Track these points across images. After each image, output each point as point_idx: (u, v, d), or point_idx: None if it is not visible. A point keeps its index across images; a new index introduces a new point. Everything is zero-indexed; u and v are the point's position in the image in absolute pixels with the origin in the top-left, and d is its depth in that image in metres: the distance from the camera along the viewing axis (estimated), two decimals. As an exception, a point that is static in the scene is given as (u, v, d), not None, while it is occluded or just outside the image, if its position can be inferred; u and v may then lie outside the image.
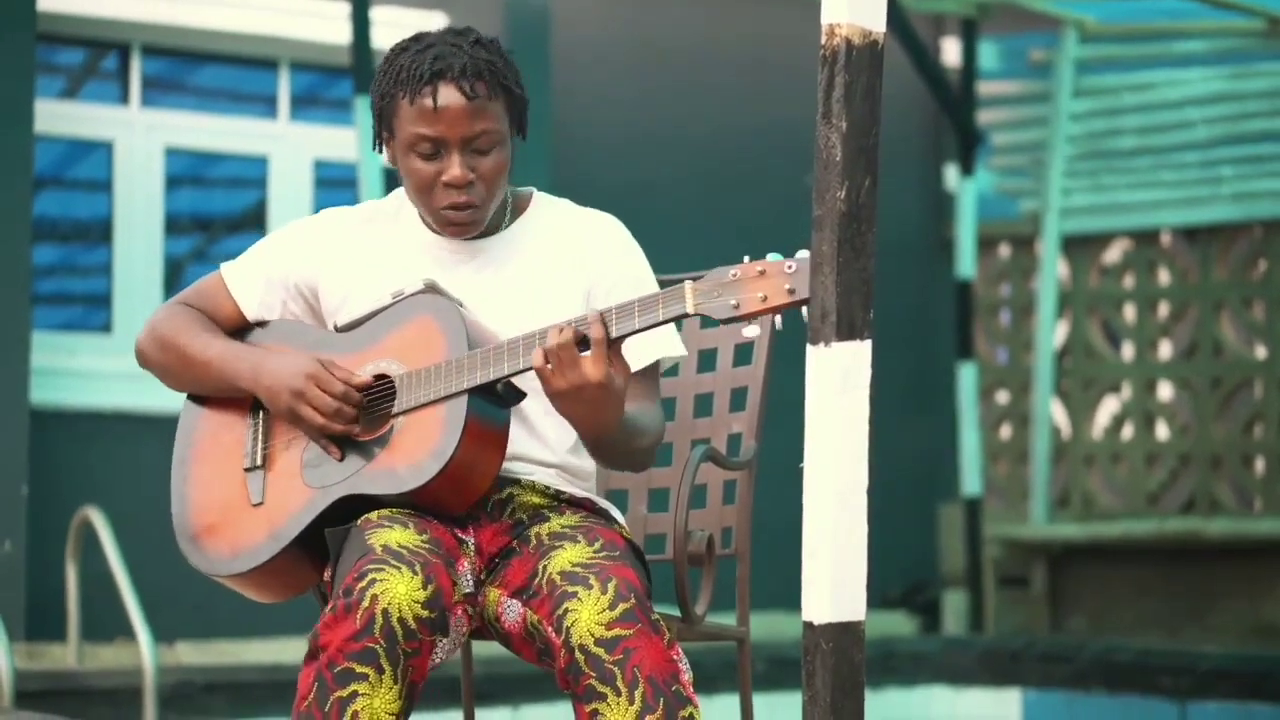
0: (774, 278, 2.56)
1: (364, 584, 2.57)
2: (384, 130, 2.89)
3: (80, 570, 6.19)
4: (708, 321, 2.71)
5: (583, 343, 2.66)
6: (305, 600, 2.99)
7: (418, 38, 2.88)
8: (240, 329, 3.00)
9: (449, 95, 2.80)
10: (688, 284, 2.64)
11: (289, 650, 6.82)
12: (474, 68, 2.81)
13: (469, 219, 2.86)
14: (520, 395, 2.79)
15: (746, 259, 2.63)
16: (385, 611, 2.55)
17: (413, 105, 2.81)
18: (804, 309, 2.53)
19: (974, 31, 8.84)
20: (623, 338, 2.67)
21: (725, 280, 2.60)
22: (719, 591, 3.06)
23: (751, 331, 2.65)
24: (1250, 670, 7.27)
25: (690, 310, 2.62)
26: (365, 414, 2.83)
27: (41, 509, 6.88)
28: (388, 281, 2.90)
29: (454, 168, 2.82)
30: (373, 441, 2.80)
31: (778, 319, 2.60)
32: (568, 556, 2.68)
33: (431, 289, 2.84)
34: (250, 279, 2.99)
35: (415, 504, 2.75)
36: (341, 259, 2.96)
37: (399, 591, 2.56)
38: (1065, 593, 8.88)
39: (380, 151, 2.93)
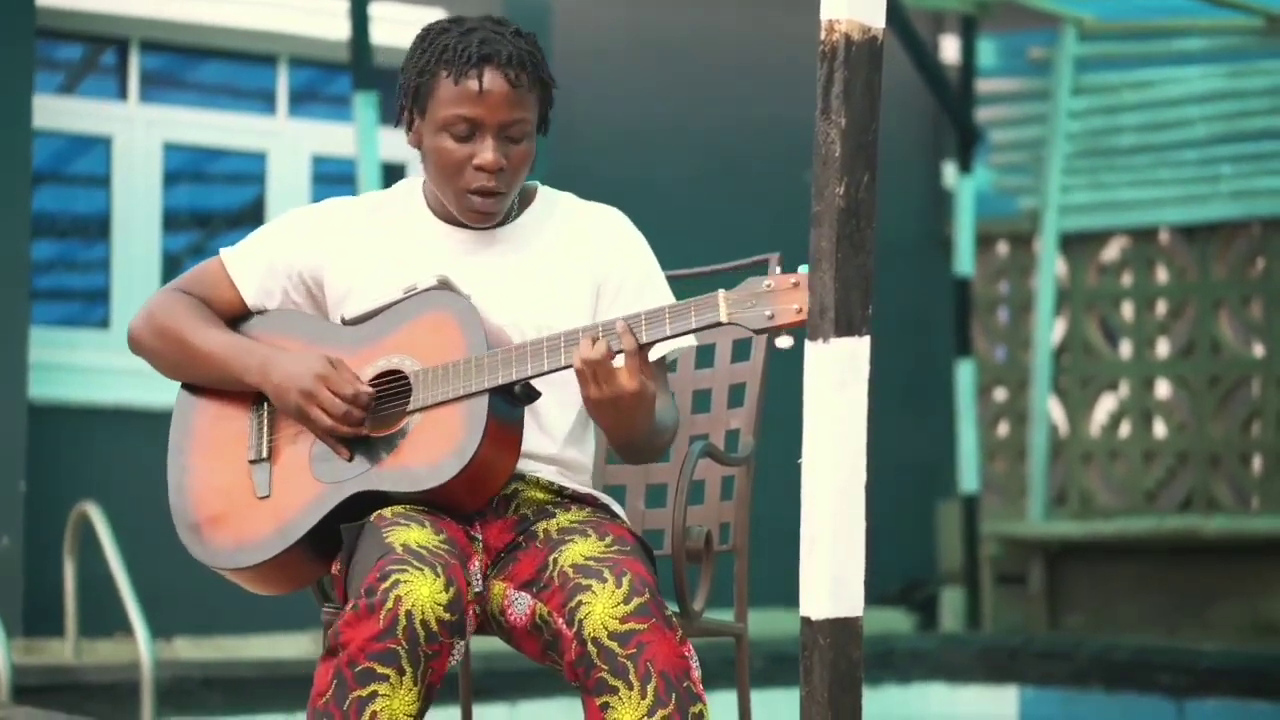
0: (808, 289, 2.56)
1: (387, 584, 2.55)
2: (414, 109, 2.87)
3: (78, 566, 6.19)
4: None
5: (615, 353, 2.67)
6: (303, 595, 2.98)
7: (458, 20, 2.87)
8: (238, 316, 2.96)
9: (494, 80, 2.79)
10: (721, 294, 2.64)
11: (287, 646, 6.82)
12: (519, 57, 2.81)
13: (493, 206, 2.85)
14: (535, 395, 2.78)
15: (778, 269, 2.63)
16: (409, 613, 2.54)
17: (456, 85, 2.80)
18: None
19: (973, 29, 8.85)
20: (652, 344, 2.68)
21: (759, 291, 2.60)
22: (717, 587, 3.05)
23: (784, 343, 2.64)
24: (1248, 668, 7.27)
25: (724, 320, 2.62)
26: (377, 410, 2.81)
27: (39, 504, 6.88)
28: (395, 272, 2.88)
29: (488, 152, 2.81)
30: (385, 438, 2.78)
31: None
32: (579, 550, 2.68)
33: (445, 285, 2.83)
34: (251, 266, 2.95)
35: (430, 502, 2.73)
36: (347, 249, 2.93)
37: (423, 594, 2.55)
38: (1063, 590, 8.89)
39: (404, 130, 2.90)
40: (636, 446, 2.81)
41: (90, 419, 7.32)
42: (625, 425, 2.72)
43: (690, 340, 2.93)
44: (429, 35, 2.86)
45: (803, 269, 2.59)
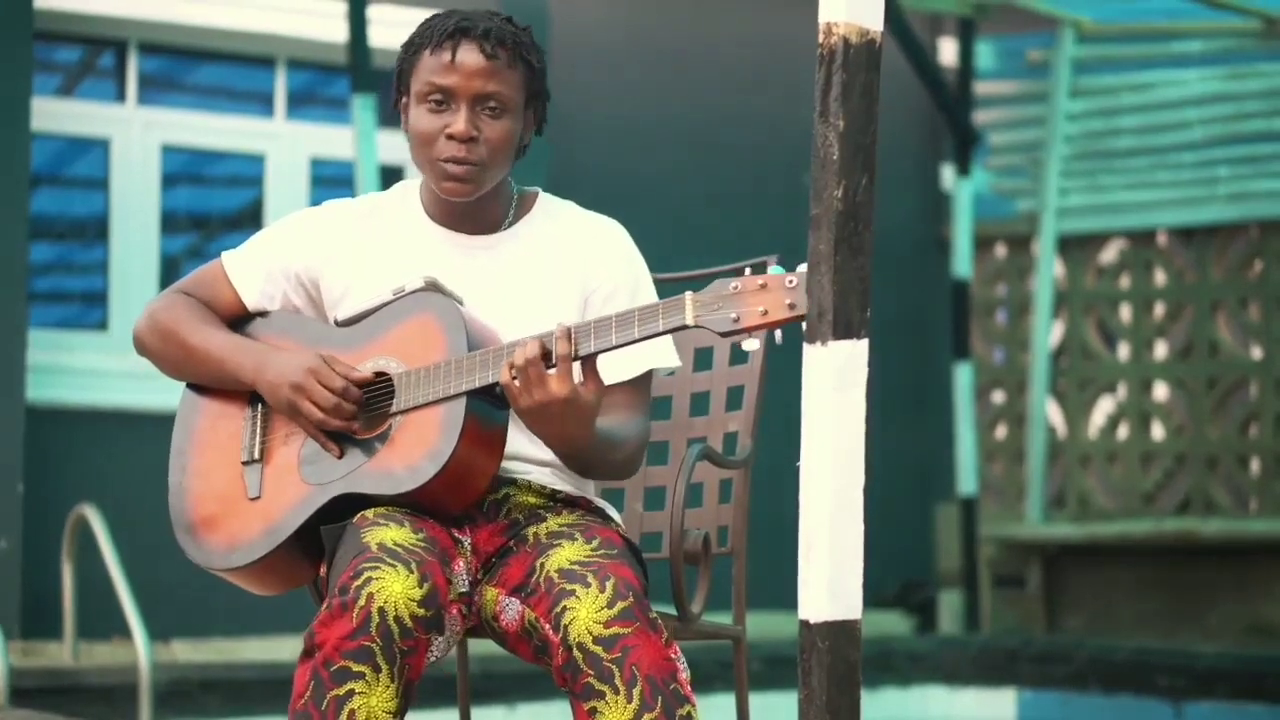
0: (775, 291, 2.55)
1: (360, 582, 2.56)
2: (402, 90, 2.90)
3: (76, 568, 6.19)
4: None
5: (549, 358, 2.65)
6: (301, 597, 2.98)
7: (451, 10, 2.91)
8: (239, 319, 2.98)
9: (468, 51, 2.83)
10: (688, 295, 2.62)
11: (284, 648, 6.82)
12: (499, 33, 2.85)
13: (465, 175, 2.84)
14: None
15: (748, 270, 2.62)
16: (381, 610, 2.55)
17: (432, 56, 2.84)
18: (804, 322, 2.52)
19: (971, 31, 8.85)
20: (597, 354, 2.66)
21: (726, 293, 2.59)
22: (715, 590, 3.05)
23: (751, 345, 2.63)
24: (1246, 670, 7.28)
25: (690, 322, 2.60)
26: (364, 411, 2.82)
27: (37, 507, 6.88)
28: (391, 274, 2.89)
29: (459, 122, 2.82)
30: (371, 440, 2.79)
31: (777, 333, 2.58)
32: (566, 554, 2.67)
33: (433, 286, 2.83)
34: (252, 268, 2.97)
35: (412, 504, 2.74)
36: (345, 251, 2.94)
37: (395, 590, 2.56)
38: (1061, 593, 8.89)
39: (397, 112, 2.93)
40: (579, 459, 2.79)
41: (88, 421, 7.33)
42: (558, 435, 2.70)
43: (674, 360, 2.92)
44: (423, 23, 2.92)
45: (773, 270, 2.59)
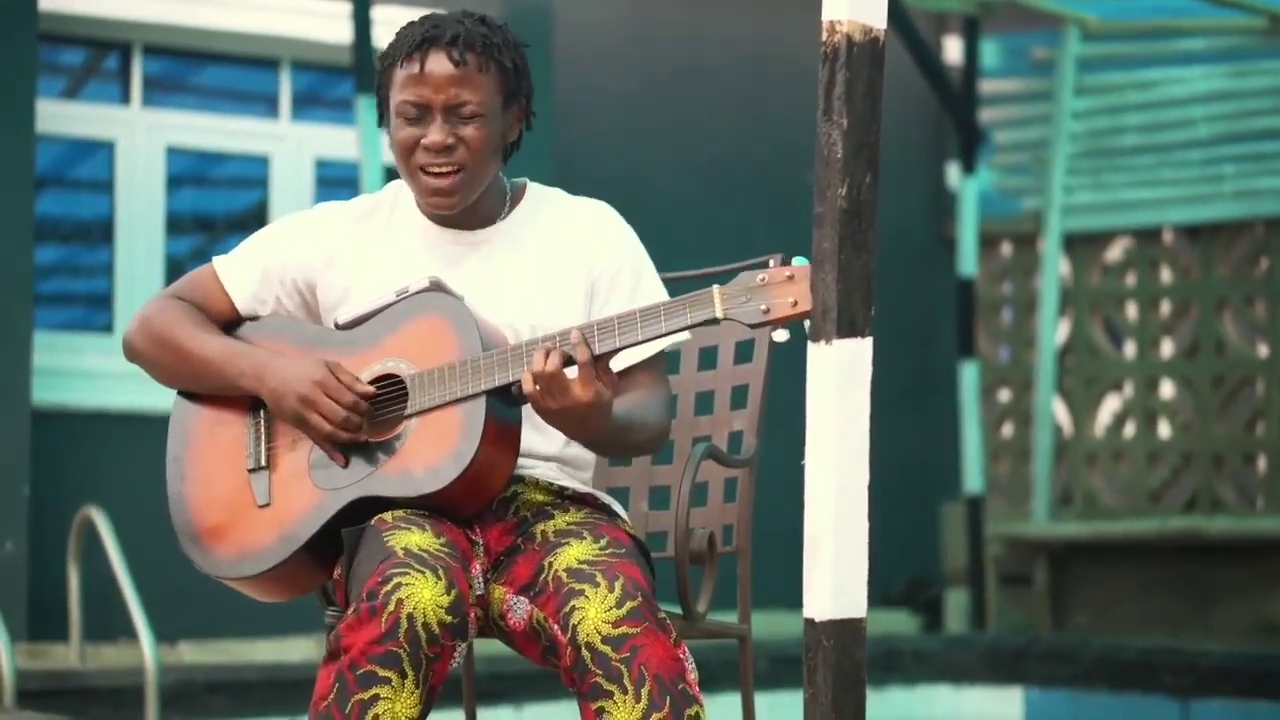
0: (803, 282, 2.55)
1: (389, 588, 2.55)
2: (384, 106, 2.89)
3: (82, 570, 6.19)
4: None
5: (570, 363, 2.65)
6: (308, 599, 2.97)
7: (426, 15, 2.89)
8: (232, 323, 2.95)
9: (436, 61, 2.80)
10: (716, 289, 2.62)
11: (291, 650, 6.82)
12: (467, 38, 2.81)
13: (447, 185, 2.83)
14: None
15: (773, 262, 2.62)
16: (411, 616, 2.54)
17: (403, 70, 2.82)
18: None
19: (976, 29, 8.84)
20: (622, 349, 2.66)
21: (754, 285, 2.59)
22: (720, 589, 3.05)
23: (781, 336, 2.63)
24: (1252, 668, 7.26)
25: (719, 315, 2.61)
26: (374, 415, 2.80)
27: (43, 509, 6.88)
28: (388, 276, 2.87)
29: (434, 132, 2.81)
30: (383, 443, 2.77)
31: (806, 324, 2.57)
32: (574, 553, 2.67)
33: (437, 286, 2.82)
34: (244, 273, 2.94)
35: (429, 506, 2.73)
36: (340, 254, 2.92)
37: (424, 596, 2.55)
38: (1067, 591, 8.88)
39: (386, 129, 2.91)
40: (601, 447, 2.82)
41: (94, 423, 7.33)
42: (578, 431, 2.72)
43: (683, 334, 2.92)
44: (397, 32, 2.90)
45: (798, 261, 2.59)
